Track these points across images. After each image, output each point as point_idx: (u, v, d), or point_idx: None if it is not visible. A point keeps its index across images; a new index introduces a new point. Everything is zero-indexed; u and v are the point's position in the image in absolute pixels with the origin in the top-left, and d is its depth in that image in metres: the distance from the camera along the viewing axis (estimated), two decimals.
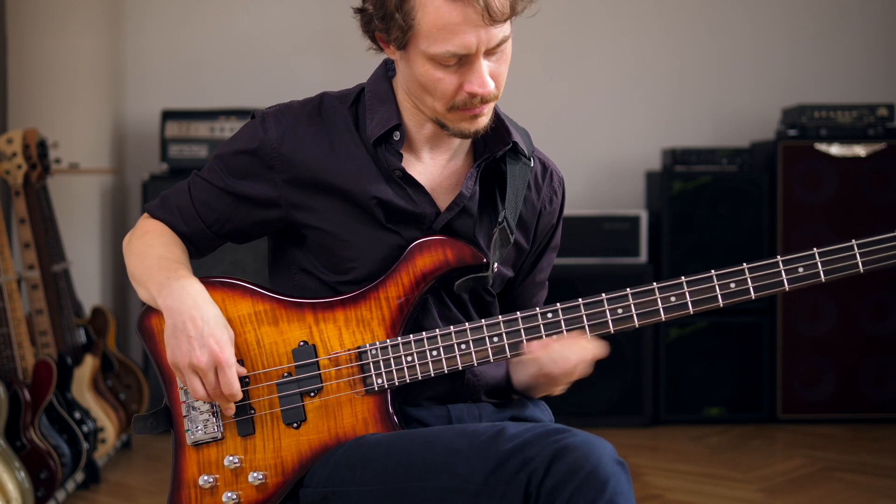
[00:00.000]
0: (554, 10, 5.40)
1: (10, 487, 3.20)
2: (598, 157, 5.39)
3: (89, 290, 4.88)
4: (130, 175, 5.34)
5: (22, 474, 3.29)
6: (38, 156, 4.11)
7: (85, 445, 3.76)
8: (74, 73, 4.92)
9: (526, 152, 1.79)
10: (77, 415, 3.88)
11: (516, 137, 1.77)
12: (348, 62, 5.30)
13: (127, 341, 5.24)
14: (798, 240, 4.86)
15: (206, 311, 1.69)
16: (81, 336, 4.28)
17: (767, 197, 4.92)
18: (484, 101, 1.65)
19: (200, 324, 1.67)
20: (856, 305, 4.86)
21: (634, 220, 4.94)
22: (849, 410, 4.90)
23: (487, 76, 1.63)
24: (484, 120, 1.68)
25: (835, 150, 4.89)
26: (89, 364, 4.17)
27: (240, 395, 1.69)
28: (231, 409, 1.71)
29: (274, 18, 5.39)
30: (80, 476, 3.90)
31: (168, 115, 4.93)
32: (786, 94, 5.32)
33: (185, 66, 5.36)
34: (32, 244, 4.06)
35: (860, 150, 4.89)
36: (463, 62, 1.62)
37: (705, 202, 4.94)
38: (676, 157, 4.99)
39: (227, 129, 4.88)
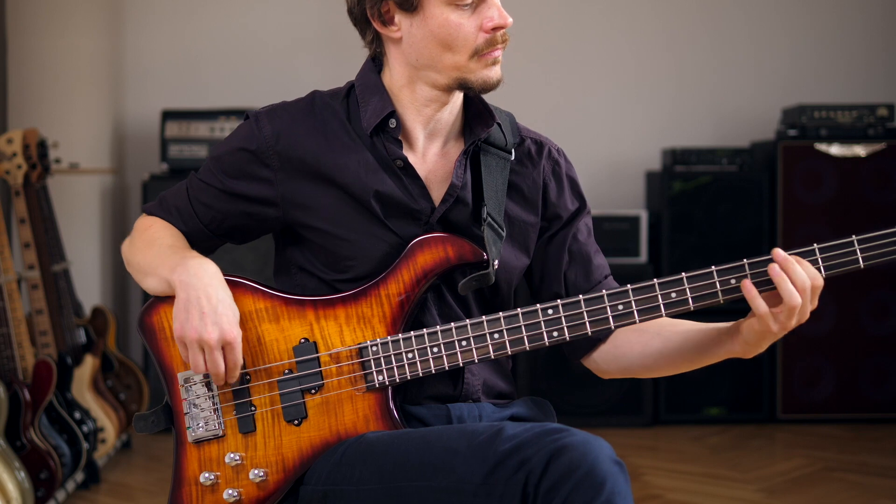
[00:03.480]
0: (553, 10, 5.40)
1: (10, 487, 3.21)
2: (598, 157, 5.39)
3: (89, 290, 4.88)
4: (130, 175, 5.34)
5: (22, 474, 3.29)
6: (38, 156, 4.11)
7: (85, 445, 3.76)
8: (74, 73, 4.92)
9: (507, 142, 1.81)
10: (77, 415, 3.88)
11: (499, 120, 1.80)
12: (347, 62, 5.27)
13: (127, 341, 5.24)
14: (798, 240, 4.85)
15: (220, 290, 1.70)
16: (81, 336, 4.28)
17: (767, 197, 4.92)
18: (504, 38, 1.71)
19: (215, 301, 1.67)
20: (856, 305, 4.86)
21: (634, 220, 4.94)
22: (849, 410, 4.90)
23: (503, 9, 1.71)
24: (499, 69, 1.73)
25: (835, 150, 4.89)
26: (89, 364, 4.17)
27: (238, 375, 1.70)
28: (234, 379, 1.71)
29: (274, 18, 5.40)
30: (80, 476, 3.90)
31: (168, 115, 4.93)
32: (786, 94, 5.32)
33: (185, 66, 5.36)
34: (32, 244, 4.06)
35: (860, 150, 4.89)
36: (477, 2, 1.69)
37: (705, 202, 4.94)
38: (676, 157, 4.99)
39: (227, 129, 4.88)
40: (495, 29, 1.69)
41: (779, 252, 1.61)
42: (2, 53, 5.03)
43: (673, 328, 1.78)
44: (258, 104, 5.05)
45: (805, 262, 1.61)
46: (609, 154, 5.41)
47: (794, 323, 1.62)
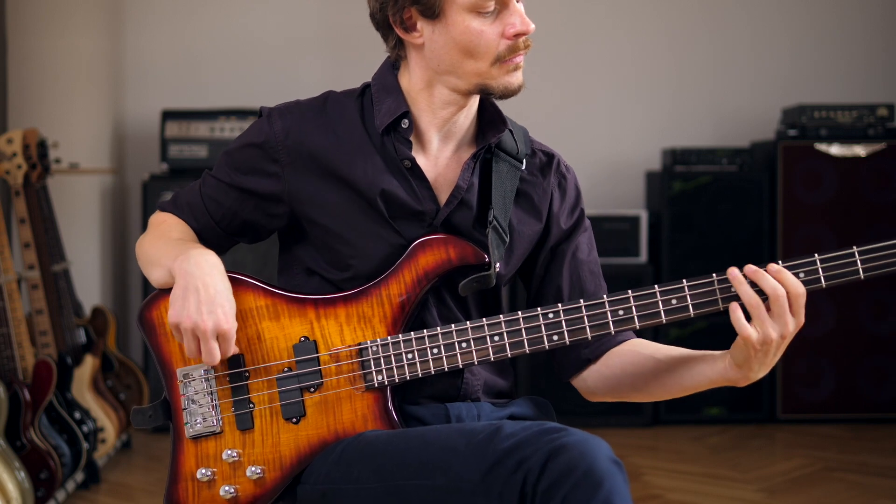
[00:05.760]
0: (554, 11, 5.40)
1: (10, 487, 3.21)
2: (597, 157, 5.39)
3: (89, 290, 4.88)
4: (130, 175, 5.34)
5: (22, 474, 3.30)
6: (38, 156, 4.11)
7: (85, 445, 3.76)
8: (74, 73, 4.93)
9: (518, 151, 1.81)
10: (77, 415, 3.88)
11: (512, 128, 1.81)
12: (348, 62, 5.31)
13: (127, 341, 5.24)
14: (798, 240, 4.86)
15: (219, 281, 1.70)
16: (81, 336, 4.28)
17: (767, 197, 4.92)
18: (526, 44, 1.71)
19: (213, 291, 1.68)
20: (856, 305, 4.86)
21: (634, 220, 4.94)
22: (849, 410, 4.90)
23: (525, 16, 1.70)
24: (521, 74, 1.73)
25: (835, 150, 4.89)
26: (89, 364, 4.17)
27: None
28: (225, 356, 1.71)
29: (274, 18, 5.40)
30: (80, 476, 3.90)
31: (168, 115, 4.93)
32: (786, 94, 5.32)
33: (185, 66, 5.36)
34: (32, 244, 4.06)
35: (860, 150, 4.89)
36: (499, 8, 1.69)
37: (705, 202, 4.94)
38: (676, 157, 4.99)
39: (227, 129, 4.88)
40: (517, 35, 1.69)
41: (749, 266, 1.62)
42: (2, 53, 5.03)
43: (667, 352, 1.79)
44: (258, 104, 5.05)
45: (784, 272, 1.62)
46: (609, 154, 5.42)
47: (771, 331, 1.61)
